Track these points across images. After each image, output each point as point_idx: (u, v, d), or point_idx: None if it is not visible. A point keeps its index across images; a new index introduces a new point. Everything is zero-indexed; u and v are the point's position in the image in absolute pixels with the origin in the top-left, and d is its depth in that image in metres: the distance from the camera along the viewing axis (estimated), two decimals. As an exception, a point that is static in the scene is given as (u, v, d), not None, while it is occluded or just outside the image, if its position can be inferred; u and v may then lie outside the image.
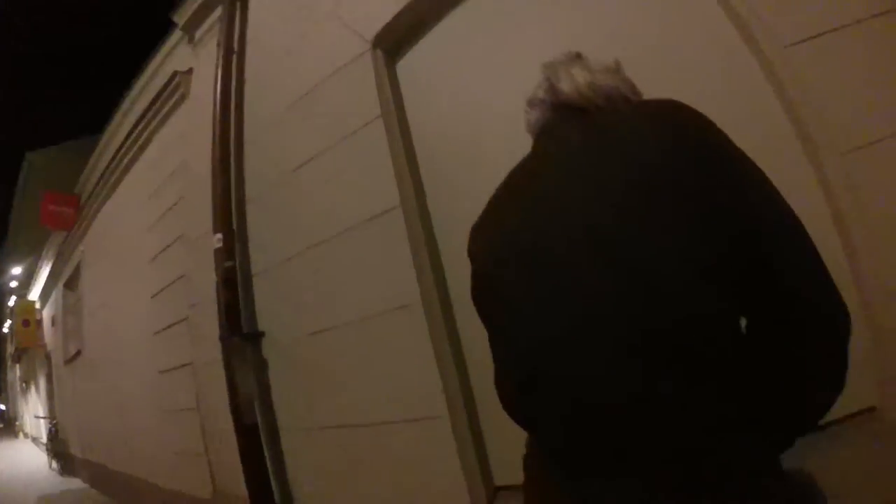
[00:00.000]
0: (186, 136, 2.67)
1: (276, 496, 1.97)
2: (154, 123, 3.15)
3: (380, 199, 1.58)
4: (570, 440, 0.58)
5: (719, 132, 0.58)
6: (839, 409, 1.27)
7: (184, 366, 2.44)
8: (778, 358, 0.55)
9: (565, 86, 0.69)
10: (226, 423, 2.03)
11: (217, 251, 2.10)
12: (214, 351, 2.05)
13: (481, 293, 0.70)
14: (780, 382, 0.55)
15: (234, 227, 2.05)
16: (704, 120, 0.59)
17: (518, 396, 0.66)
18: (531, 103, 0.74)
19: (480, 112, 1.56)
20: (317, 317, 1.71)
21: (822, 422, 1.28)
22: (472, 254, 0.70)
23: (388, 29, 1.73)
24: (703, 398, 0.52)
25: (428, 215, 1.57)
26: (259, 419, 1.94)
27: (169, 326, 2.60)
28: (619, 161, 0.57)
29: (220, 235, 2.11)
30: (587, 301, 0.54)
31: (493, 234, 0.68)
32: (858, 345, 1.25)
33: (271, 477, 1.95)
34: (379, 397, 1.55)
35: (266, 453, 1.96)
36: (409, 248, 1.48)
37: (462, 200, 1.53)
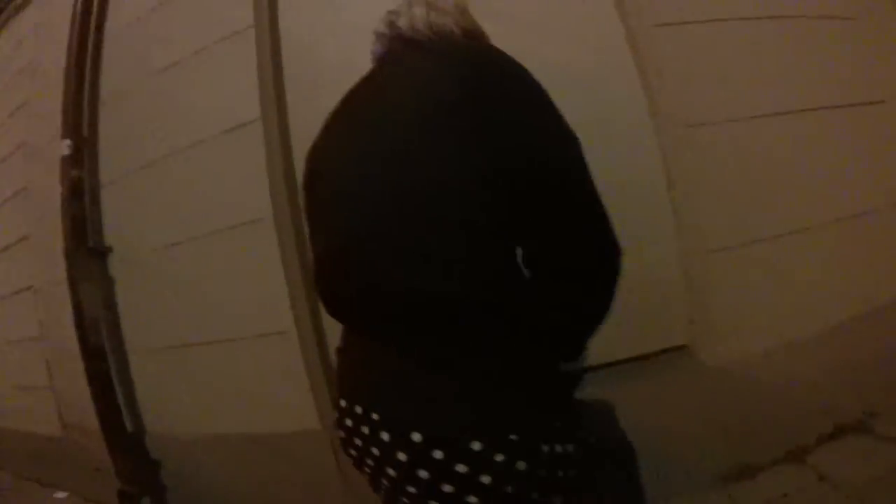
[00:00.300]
0: (40, 31, 2.30)
1: (128, 424, 1.88)
2: (4, 16, 2.67)
3: (240, 110, 1.51)
4: (352, 320, 0.71)
5: (526, 80, 0.64)
6: (650, 344, 1.50)
7: (24, 290, 2.18)
8: (550, 289, 0.62)
9: (403, 21, 0.75)
10: (72, 351, 1.87)
11: (64, 159, 1.87)
12: (58, 271, 1.86)
13: (304, 202, 0.79)
14: (548, 308, 0.62)
15: (85, 132, 1.84)
16: (513, 66, 0.64)
17: (322, 290, 0.74)
18: (375, 35, 0.80)
19: (356, 35, 1.53)
20: (166, 230, 1.62)
21: (633, 355, 1.50)
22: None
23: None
24: (472, 299, 0.58)
25: (287, 131, 1.53)
26: (106, 342, 1.81)
27: (6, 248, 2.29)
28: (414, 95, 0.63)
29: (69, 142, 1.88)
30: (371, 213, 0.62)
31: (314, 151, 0.76)
32: (674, 287, 1.49)
33: (122, 404, 1.85)
34: (227, 314, 1.53)
35: (115, 379, 1.85)
36: (265, 161, 1.46)
37: (323, 119, 1.55)
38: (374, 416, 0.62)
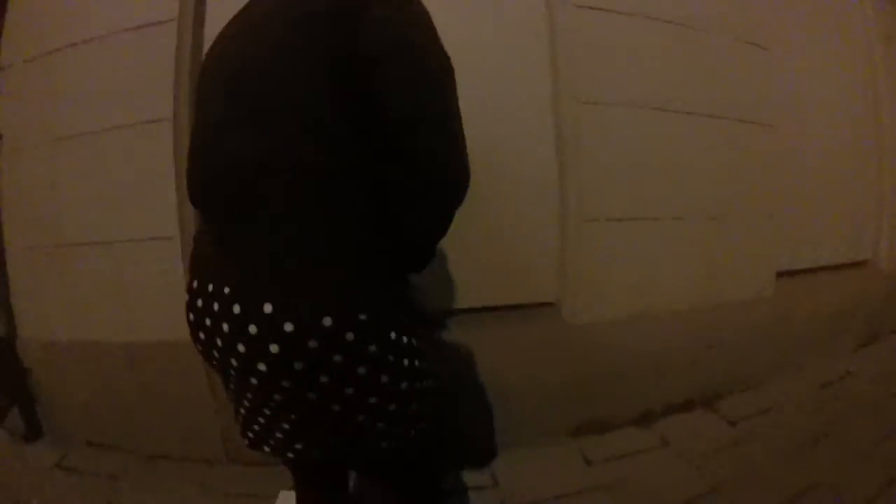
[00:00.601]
0: None
1: (0, 328, 1.78)
2: None
3: (157, 8, 1.45)
4: (212, 200, 0.69)
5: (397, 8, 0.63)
6: (521, 296, 1.56)
7: None
8: (393, 188, 0.63)
9: None
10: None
11: (-38, 35, 1.74)
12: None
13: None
14: (391, 220, 0.64)
15: (-10, 10, 1.70)
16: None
17: (188, 176, 0.75)
18: None
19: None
20: (62, 122, 1.53)
21: (503, 304, 1.57)
22: None
23: None
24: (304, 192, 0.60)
25: (202, 35, 1.49)
26: (-16, 236, 1.70)
27: None
28: (280, 14, 0.64)
29: (-31, 17, 1.74)
30: (231, 101, 0.64)
31: (208, 50, 0.77)
32: (550, 247, 1.57)
33: (-6, 305, 1.75)
34: (113, 214, 1.48)
35: (-10, 277, 1.74)
36: (175, 64, 1.42)
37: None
38: (226, 290, 0.61)
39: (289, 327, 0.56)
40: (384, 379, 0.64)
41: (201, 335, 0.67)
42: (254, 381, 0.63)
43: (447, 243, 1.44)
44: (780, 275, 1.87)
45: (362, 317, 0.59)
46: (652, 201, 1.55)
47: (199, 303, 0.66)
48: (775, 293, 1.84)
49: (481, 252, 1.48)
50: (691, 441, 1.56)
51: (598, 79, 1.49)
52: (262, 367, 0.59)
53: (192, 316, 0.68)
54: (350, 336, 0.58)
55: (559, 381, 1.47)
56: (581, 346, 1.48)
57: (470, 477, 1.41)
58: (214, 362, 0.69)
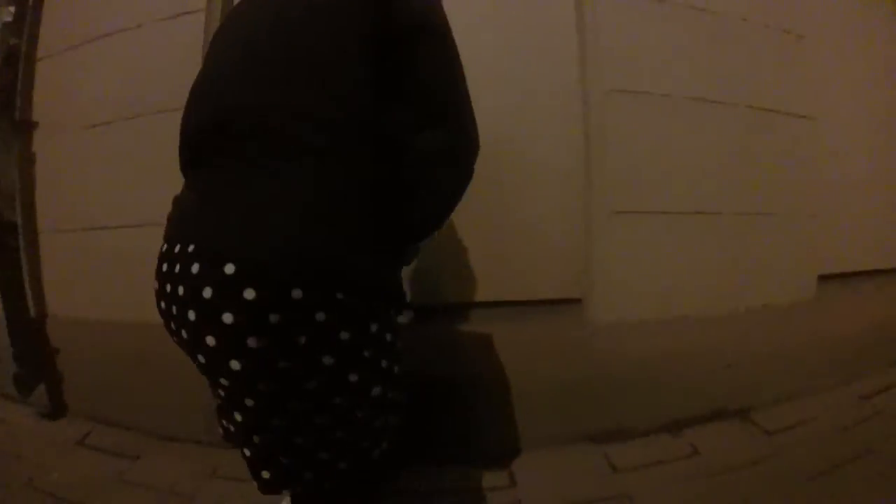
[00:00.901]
0: None
1: (32, 307, 1.84)
2: None
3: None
4: (204, 149, 0.63)
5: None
6: (547, 292, 1.52)
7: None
8: (405, 171, 0.60)
9: None
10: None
11: (5, 25, 1.82)
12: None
13: None
14: (401, 190, 0.60)
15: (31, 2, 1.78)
16: None
17: (182, 132, 0.71)
18: None
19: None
20: (95, 110, 1.58)
21: (526, 300, 1.52)
22: None
23: None
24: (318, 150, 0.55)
25: None
26: (20, 218, 1.76)
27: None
28: None
29: (12, 8, 1.82)
30: (243, 53, 0.63)
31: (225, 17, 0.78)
32: (577, 243, 1.51)
33: (27, 285, 1.81)
34: (142, 200, 1.51)
35: (23, 258, 1.80)
36: (202, 51, 1.43)
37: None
38: (190, 248, 0.53)
39: (249, 294, 0.47)
40: (353, 377, 0.55)
41: (162, 304, 0.58)
42: (201, 358, 0.54)
43: (470, 235, 1.43)
44: (820, 279, 1.76)
45: (339, 296, 0.51)
46: (685, 196, 1.47)
47: (165, 266, 0.57)
48: (814, 298, 1.73)
49: (505, 245, 1.44)
50: (722, 452, 1.47)
51: (628, 67, 1.44)
52: (210, 340, 0.50)
53: (156, 284, 0.60)
54: (321, 316, 0.49)
55: (582, 381, 1.40)
56: (605, 345, 1.42)
57: (485, 476, 1.36)
58: (174, 337, 0.60)
